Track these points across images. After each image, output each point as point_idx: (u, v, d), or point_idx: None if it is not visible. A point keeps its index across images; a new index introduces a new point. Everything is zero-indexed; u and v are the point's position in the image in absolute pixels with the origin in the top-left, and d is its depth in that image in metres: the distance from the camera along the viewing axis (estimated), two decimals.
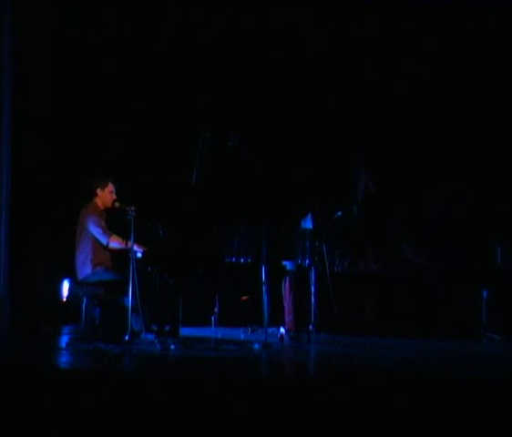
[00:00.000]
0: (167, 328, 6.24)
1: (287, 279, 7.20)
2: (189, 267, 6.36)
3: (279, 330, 6.77)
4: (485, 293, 6.98)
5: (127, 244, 6.03)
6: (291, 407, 3.92)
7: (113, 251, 6.45)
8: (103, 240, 6.29)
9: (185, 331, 6.50)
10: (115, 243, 6.29)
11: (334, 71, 8.17)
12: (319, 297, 6.97)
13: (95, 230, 6.29)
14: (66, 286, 6.83)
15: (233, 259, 6.32)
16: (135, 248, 6.07)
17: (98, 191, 6.45)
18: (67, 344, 6.06)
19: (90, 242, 6.31)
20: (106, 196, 6.45)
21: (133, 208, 6.02)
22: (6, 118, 6.59)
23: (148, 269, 6.34)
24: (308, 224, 7.27)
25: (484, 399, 3.84)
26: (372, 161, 8.14)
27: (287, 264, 6.98)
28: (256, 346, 5.92)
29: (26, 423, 4.07)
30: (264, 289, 6.39)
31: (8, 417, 4.09)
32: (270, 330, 6.61)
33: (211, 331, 7.61)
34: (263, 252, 6.34)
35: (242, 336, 7.00)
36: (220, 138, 6.77)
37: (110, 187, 6.47)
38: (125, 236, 6.09)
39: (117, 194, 6.49)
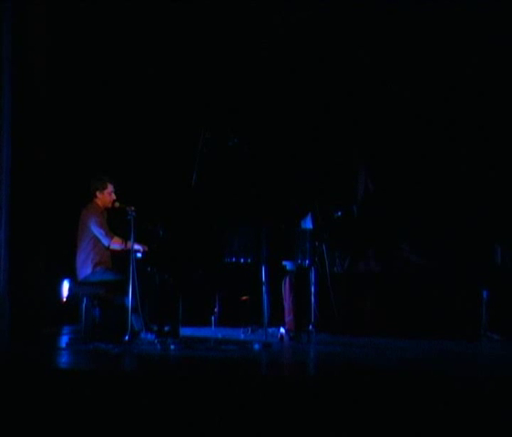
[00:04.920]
0: (167, 328, 6.24)
1: (287, 279, 7.20)
2: (189, 267, 6.37)
3: (279, 330, 6.78)
4: (485, 293, 6.99)
5: (127, 245, 6.05)
6: (292, 407, 3.92)
7: (114, 251, 6.45)
8: (105, 242, 6.30)
9: (185, 331, 6.50)
10: (116, 245, 6.29)
11: (334, 71, 8.17)
12: (319, 297, 6.98)
13: (97, 231, 6.30)
14: (66, 286, 6.83)
15: (233, 259, 6.33)
16: (136, 247, 6.07)
17: (98, 193, 6.46)
18: (67, 344, 6.06)
19: (91, 242, 6.31)
20: (105, 197, 6.45)
21: (133, 208, 6.02)
22: (6, 118, 6.58)
23: (148, 269, 6.34)
24: (308, 224, 7.27)
25: (484, 399, 3.84)
26: (372, 161, 8.15)
27: (287, 264, 6.98)
28: (256, 346, 5.91)
29: (27, 423, 4.07)
30: (264, 289, 6.39)
31: (9, 417, 4.09)
32: (270, 330, 6.61)
33: (211, 331, 7.61)
34: (263, 252, 6.34)
35: (242, 336, 7.00)
36: (220, 138, 6.77)
37: (109, 188, 6.47)
38: (125, 236, 6.11)
39: (117, 194, 6.49)
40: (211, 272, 6.88)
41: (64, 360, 5.40)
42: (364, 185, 8.01)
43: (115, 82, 7.99)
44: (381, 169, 8.07)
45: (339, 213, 7.40)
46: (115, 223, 6.46)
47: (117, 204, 6.32)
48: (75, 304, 6.48)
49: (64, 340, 6.41)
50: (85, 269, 6.31)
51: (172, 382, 4.21)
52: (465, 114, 7.91)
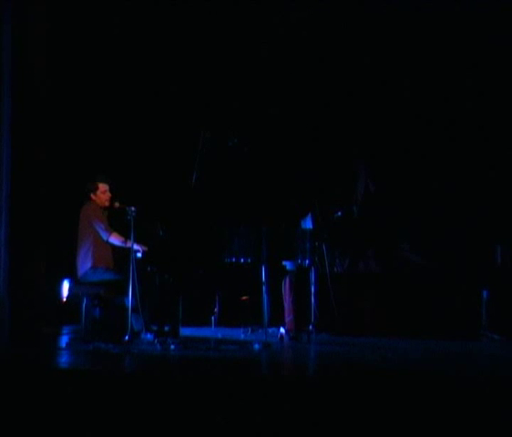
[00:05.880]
0: (167, 328, 6.24)
1: (287, 279, 7.20)
2: (189, 267, 6.36)
3: (279, 330, 6.78)
4: (485, 293, 6.99)
5: (126, 242, 6.06)
6: (291, 407, 3.92)
7: (114, 250, 6.45)
8: (104, 236, 6.29)
9: (185, 331, 6.50)
10: (115, 240, 6.29)
11: (335, 71, 8.17)
12: (319, 297, 6.98)
13: (97, 225, 6.30)
14: (66, 286, 6.84)
15: (233, 259, 6.32)
16: (135, 247, 6.07)
17: (92, 196, 6.45)
18: (67, 344, 6.06)
19: (91, 237, 6.31)
20: (100, 197, 6.45)
21: (133, 209, 6.02)
22: (6, 118, 6.58)
23: (148, 269, 6.34)
24: (308, 224, 7.27)
25: (484, 399, 3.84)
26: (372, 161, 8.15)
27: (287, 264, 6.99)
28: (256, 346, 5.91)
29: (27, 423, 4.07)
30: (264, 289, 6.38)
31: (9, 417, 4.09)
32: (270, 330, 6.60)
33: (211, 331, 7.61)
34: (263, 252, 6.33)
35: (242, 336, 7.01)
36: (220, 138, 6.77)
37: (102, 187, 6.46)
38: (125, 236, 6.12)
39: (117, 194, 6.49)
40: (211, 272, 6.87)
41: (64, 360, 5.39)
42: (364, 185, 8.01)
43: (115, 82, 7.99)
44: (381, 169, 8.07)
45: (339, 213, 7.40)
46: (115, 223, 6.46)
47: (117, 204, 6.31)
48: (75, 304, 6.48)
49: (64, 340, 6.41)
50: (85, 265, 6.30)
51: (172, 382, 4.21)
52: (465, 114, 7.91)
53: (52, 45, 7.09)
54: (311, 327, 6.81)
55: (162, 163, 8.12)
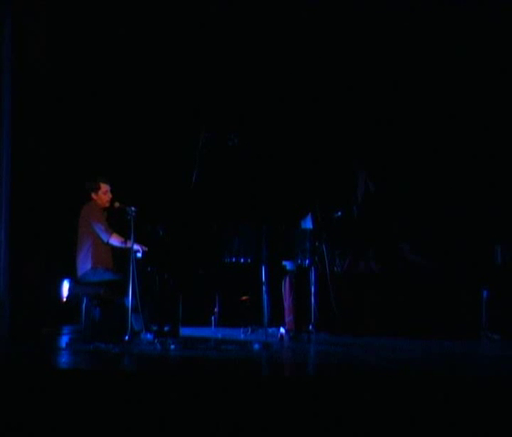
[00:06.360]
0: (167, 328, 6.24)
1: (287, 279, 7.20)
2: (189, 267, 6.37)
3: (279, 330, 6.77)
4: (485, 293, 6.99)
5: (126, 243, 6.06)
6: (292, 407, 3.92)
7: (114, 250, 6.45)
8: (104, 237, 6.29)
9: (185, 331, 6.50)
10: (115, 241, 6.29)
11: (335, 72, 8.18)
12: (319, 297, 6.98)
13: (96, 226, 6.30)
14: (66, 286, 6.83)
15: (233, 259, 6.33)
16: (135, 247, 6.07)
17: (93, 195, 6.45)
18: (67, 344, 6.06)
19: (91, 237, 6.30)
20: (101, 197, 6.44)
21: (133, 209, 6.02)
22: (6, 118, 6.58)
23: (148, 269, 6.34)
24: (308, 224, 7.27)
25: (484, 399, 3.84)
26: (372, 161, 8.15)
27: (287, 264, 6.99)
28: (256, 346, 5.91)
29: (27, 423, 4.07)
30: (264, 289, 6.39)
31: (9, 417, 4.09)
32: (270, 330, 6.61)
33: (211, 331, 7.61)
34: (263, 252, 6.34)
35: (242, 336, 7.01)
36: (220, 138, 6.78)
37: (103, 187, 6.46)
38: (125, 236, 6.11)
39: (117, 194, 6.48)
40: (211, 272, 6.88)
41: (64, 360, 5.39)
42: (364, 185, 8.01)
43: (115, 82, 8.00)
44: (381, 169, 8.08)
45: (339, 213, 7.40)
46: (115, 223, 6.46)
47: (117, 204, 6.31)
48: (75, 304, 6.48)
49: (64, 340, 6.41)
50: (85, 265, 6.29)
51: (172, 382, 4.21)
52: (465, 114, 7.91)
53: (52, 44, 7.09)
54: (311, 327, 6.81)
55: (162, 163, 8.12)
